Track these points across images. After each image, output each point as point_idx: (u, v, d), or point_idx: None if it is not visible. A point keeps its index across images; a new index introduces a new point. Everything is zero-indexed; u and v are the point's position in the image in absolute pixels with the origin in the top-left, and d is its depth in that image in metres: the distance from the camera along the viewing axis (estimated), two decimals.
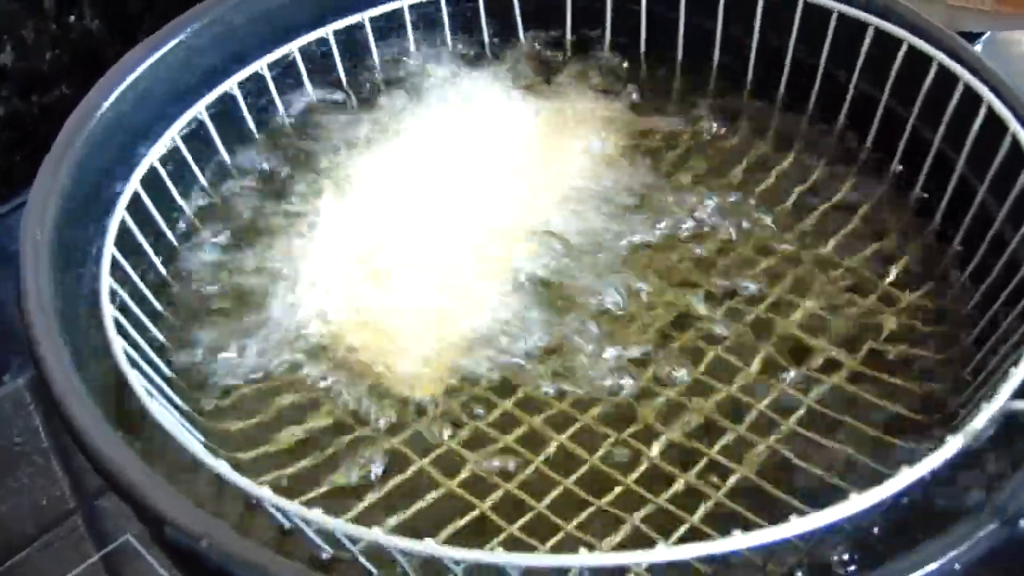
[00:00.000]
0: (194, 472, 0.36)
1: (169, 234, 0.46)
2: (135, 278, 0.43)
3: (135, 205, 0.44)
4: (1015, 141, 0.42)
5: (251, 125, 0.51)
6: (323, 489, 0.39)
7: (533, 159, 0.50)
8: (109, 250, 0.41)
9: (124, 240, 0.42)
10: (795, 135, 0.51)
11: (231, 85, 0.49)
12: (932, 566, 0.30)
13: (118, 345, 0.37)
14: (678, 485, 0.38)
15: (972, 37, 0.61)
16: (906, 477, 0.32)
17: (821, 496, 0.34)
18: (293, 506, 0.32)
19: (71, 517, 0.48)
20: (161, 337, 0.43)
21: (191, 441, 0.34)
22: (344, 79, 0.54)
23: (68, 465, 0.49)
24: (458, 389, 0.41)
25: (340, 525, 0.32)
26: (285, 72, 0.52)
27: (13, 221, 0.41)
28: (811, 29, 0.50)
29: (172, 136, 0.46)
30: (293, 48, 0.51)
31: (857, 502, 0.31)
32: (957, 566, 0.30)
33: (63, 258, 0.40)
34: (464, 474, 0.39)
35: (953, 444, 0.33)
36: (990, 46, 0.63)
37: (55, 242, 0.40)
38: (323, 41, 0.52)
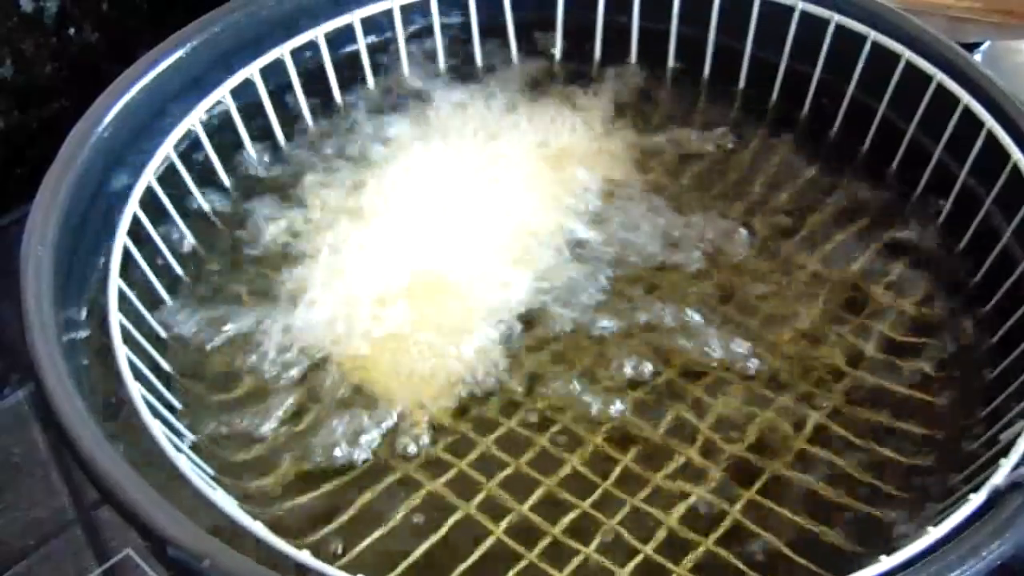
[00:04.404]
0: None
1: (169, 256, 0.46)
2: (140, 307, 0.43)
3: (135, 224, 0.44)
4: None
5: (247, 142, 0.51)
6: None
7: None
8: (115, 281, 0.41)
9: (128, 263, 0.43)
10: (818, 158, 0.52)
11: (223, 94, 0.49)
12: None
13: (136, 391, 0.37)
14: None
15: (972, 47, 0.62)
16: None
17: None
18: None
19: (70, 528, 0.48)
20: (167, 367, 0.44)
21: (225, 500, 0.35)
22: (338, 94, 0.54)
23: (68, 477, 0.49)
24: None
25: None
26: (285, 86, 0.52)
27: (11, 236, 0.41)
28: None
29: (168, 152, 0.46)
30: (285, 52, 0.51)
31: None
32: None
33: (64, 275, 0.40)
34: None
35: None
36: (991, 56, 0.63)
37: (56, 259, 0.40)
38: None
